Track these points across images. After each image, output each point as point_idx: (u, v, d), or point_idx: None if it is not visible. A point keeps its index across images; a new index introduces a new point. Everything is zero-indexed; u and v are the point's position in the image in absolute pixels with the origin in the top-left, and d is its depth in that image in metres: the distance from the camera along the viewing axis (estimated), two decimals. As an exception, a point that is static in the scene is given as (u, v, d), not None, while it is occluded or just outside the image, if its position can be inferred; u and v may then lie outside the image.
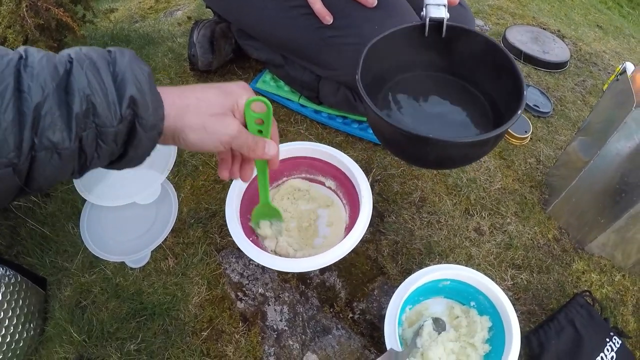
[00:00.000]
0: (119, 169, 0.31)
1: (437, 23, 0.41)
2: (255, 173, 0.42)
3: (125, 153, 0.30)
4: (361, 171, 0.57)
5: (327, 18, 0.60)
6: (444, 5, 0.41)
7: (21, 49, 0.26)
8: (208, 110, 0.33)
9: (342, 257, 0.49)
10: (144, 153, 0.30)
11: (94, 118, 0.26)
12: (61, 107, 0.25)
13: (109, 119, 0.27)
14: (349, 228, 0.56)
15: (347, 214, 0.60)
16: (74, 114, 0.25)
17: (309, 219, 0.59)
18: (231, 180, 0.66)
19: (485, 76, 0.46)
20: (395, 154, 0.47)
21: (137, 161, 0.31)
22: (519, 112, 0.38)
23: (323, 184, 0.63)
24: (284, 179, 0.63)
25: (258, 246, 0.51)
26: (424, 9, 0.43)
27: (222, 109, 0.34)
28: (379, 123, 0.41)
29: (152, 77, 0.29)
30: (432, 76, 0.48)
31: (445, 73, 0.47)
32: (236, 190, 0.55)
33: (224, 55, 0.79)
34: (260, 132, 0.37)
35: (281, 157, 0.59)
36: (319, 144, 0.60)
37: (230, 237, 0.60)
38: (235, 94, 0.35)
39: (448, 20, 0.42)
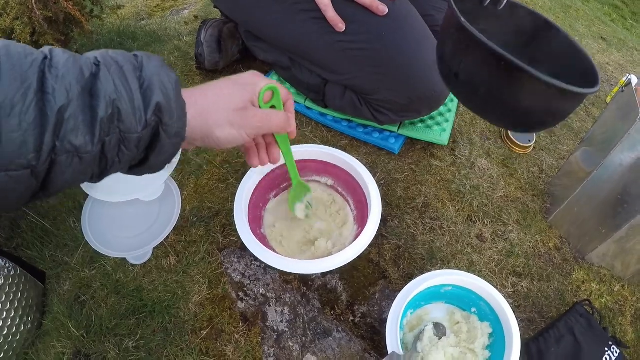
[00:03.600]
0: (139, 174, 0.31)
1: None
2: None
3: (147, 159, 0.29)
4: (372, 177, 0.57)
5: (340, 25, 0.60)
6: None
7: (46, 49, 0.25)
8: (231, 106, 0.33)
9: (349, 261, 0.49)
10: (166, 159, 0.30)
11: (118, 123, 0.26)
12: (85, 111, 0.24)
13: (133, 125, 0.26)
14: (356, 234, 0.56)
15: (353, 215, 0.60)
16: (98, 118, 0.25)
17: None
18: (236, 180, 0.66)
19: (545, 57, 0.40)
20: (469, 95, 0.39)
21: (158, 167, 0.31)
22: (598, 78, 0.33)
23: (334, 188, 0.63)
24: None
25: (265, 246, 0.50)
26: None
27: (243, 102, 0.34)
28: (483, 61, 0.33)
29: (179, 85, 0.29)
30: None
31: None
32: (245, 190, 0.55)
33: (230, 56, 0.79)
34: (273, 107, 0.39)
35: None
36: (329, 147, 0.60)
37: (233, 237, 0.60)
38: (251, 84, 0.36)
39: None
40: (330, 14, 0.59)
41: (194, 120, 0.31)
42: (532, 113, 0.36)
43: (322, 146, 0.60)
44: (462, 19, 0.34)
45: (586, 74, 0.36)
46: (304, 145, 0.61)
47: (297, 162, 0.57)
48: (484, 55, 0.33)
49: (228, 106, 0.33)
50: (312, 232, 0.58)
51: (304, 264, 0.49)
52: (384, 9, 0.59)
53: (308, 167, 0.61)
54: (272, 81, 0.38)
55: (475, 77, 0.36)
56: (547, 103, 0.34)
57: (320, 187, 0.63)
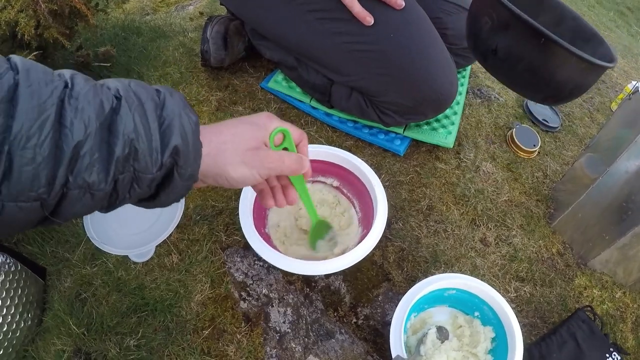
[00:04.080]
0: (148, 208, 0.31)
1: None
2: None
3: (157, 195, 0.29)
4: (378, 179, 0.56)
5: (368, 19, 0.58)
6: None
7: (67, 74, 0.24)
8: (244, 145, 0.33)
9: (355, 262, 0.48)
10: (176, 198, 0.30)
11: (133, 162, 0.25)
12: (102, 148, 0.24)
13: (149, 166, 0.26)
14: (361, 236, 0.56)
15: (358, 217, 0.60)
16: (115, 157, 0.24)
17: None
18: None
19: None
20: (507, 71, 0.41)
21: (167, 204, 0.30)
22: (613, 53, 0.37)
23: (339, 189, 0.63)
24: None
25: (269, 245, 0.50)
26: None
27: (256, 141, 0.34)
28: (524, 37, 0.35)
29: (199, 127, 0.29)
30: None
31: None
32: (250, 189, 0.55)
33: (236, 53, 0.79)
34: (285, 149, 0.38)
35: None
36: (335, 147, 0.60)
37: (236, 236, 0.60)
38: (265, 126, 0.36)
39: None
40: (357, 8, 0.58)
41: (207, 158, 0.30)
42: (564, 85, 0.39)
43: (329, 147, 0.60)
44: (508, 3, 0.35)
45: (602, 54, 0.39)
46: (310, 145, 0.60)
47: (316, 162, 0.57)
48: (525, 32, 0.35)
49: (242, 145, 0.33)
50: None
51: (308, 264, 0.48)
52: (401, 3, 0.58)
53: (313, 167, 0.61)
54: (284, 124, 0.37)
55: (514, 53, 0.38)
56: (577, 76, 0.37)
57: (326, 187, 0.63)
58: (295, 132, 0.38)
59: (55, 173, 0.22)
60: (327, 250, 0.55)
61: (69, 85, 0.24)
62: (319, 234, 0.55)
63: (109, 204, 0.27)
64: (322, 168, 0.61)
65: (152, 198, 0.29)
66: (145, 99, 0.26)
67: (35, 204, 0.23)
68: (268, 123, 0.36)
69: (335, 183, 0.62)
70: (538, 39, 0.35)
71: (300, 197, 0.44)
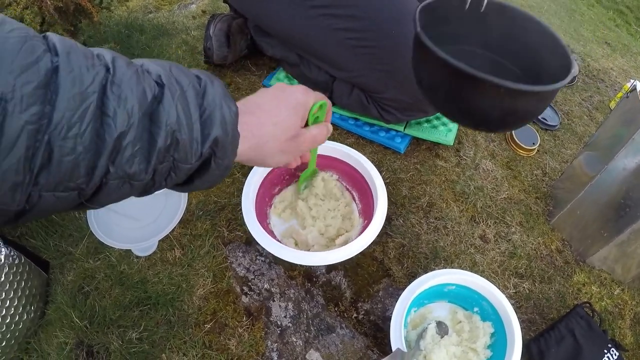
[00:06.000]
0: (181, 192, 0.31)
1: None
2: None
3: (191, 181, 0.28)
4: (378, 173, 0.57)
5: None
6: None
7: (108, 57, 0.23)
8: (284, 136, 0.33)
9: (356, 254, 0.49)
10: (210, 185, 0.30)
11: (174, 153, 0.25)
12: (144, 138, 0.23)
13: (188, 157, 0.25)
14: (363, 210, 0.57)
15: (358, 209, 0.60)
16: (157, 147, 0.23)
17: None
18: (242, 175, 0.66)
19: (525, 52, 0.42)
20: (433, 99, 0.41)
21: (200, 189, 0.30)
22: (572, 70, 0.34)
23: (339, 182, 0.64)
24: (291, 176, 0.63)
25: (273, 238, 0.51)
26: None
27: (295, 129, 0.35)
28: (436, 67, 0.36)
29: (238, 117, 0.28)
30: (469, 51, 0.45)
31: (484, 49, 0.45)
32: (252, 184, 0.55)
33: (239, 51, 0.79)
34: (317, 118, 0.40)
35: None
36: (339, 143, 0.60)
37: (238, 231, 0.60)
38: (302, 106, 0.36)
39: None
40: None
41: (248, 151, 0.30)
42: (489, 112, 0.37)
43: (328, 141, 0.61)
44: (418, 26, 0.36)
45: (563, 67, 0.36)
46: None
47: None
48: (432, 60, 0.35)
49: (282, 137, 0.33)
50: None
51: (311, 255, 0.49)
52: None
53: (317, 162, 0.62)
54: (322, 97, 0.38)
55: (432, 82, 0.38)
56: (499, 102, 0.35)
57: (332, 180, 0.63)
58: (329, 103, 0.40)
59: (95, 163, 0.21)
60: (313, 240, 0.56)
61: (111, 70, 0.22)
62: (308, 177, 0.60)
63: (144, 191, 0.26)
64: (321, 162, 0.62)
65: (186, 183, 0.29)
66: (187, 87, 0.25)
67: (72, 194, 0.22)
68: (308, 99, 0.36)
69: (335, 176, 0.63)
70: (444, 66, 0.35)
71: (311, 152, 0.49)
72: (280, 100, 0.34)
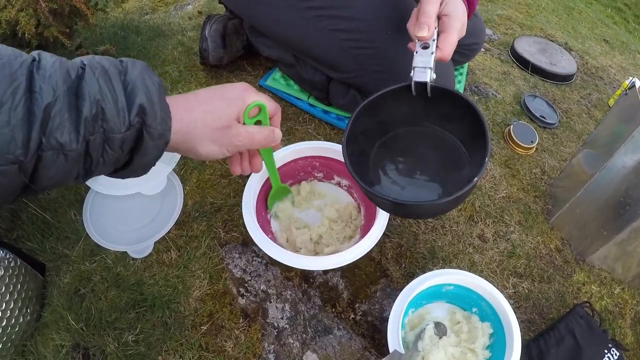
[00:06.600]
0: (123, 177, 0.32)
1: (423, 85, 0.45)
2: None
3: (131, 160, 0.30)
4: None
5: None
6: (430, 68, 0.44)
7: (35, 52, 0.26)
8: (215, 124, 0.34)
9: (357, 259, 0.49)
10: (150, 162, 0.31)
11: (102, 123, 0.27)
12: (71, 109, 0.25)
13: (117, 125, 0.27)
14: (364, 228, 0.56)
15: (361, 213, 0.60)
16: (83, 117, 0.26)
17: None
18: (242, 176, 0.66)
19: (466, 134, 0.49)
20: (386, 211, 0.52)
21: (141, 170, 0.31)
22: (475, 179, 0.40)
23: (339, 184, 0.63)
24: (302, 177, 0.63)
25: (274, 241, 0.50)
26: (412, 71, 0.45)
27: (228, 120, 0.35)
28: (365, 191, 0.46)
29: (163, 88, 0.30)
30: (421, 130, 0.51)
31: (435, 126, 0.51)
32: (253, 186, 0.55)
33: (235, 51, 0.79)
34: (259, 122, 0.39)
35: (298, 155, 0.59)
36: (334, 143, 0.60)
37: (235, 232, 0.60)
38: (239, 99, 0.36)
39: (433, 80, 0.45)
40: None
41: (177, 135, 0.31)
42: (421, 215, 0.55)
43: (335, 144, 0.59)
44: (349, 168, 0.44)
45: (481, 161, 0.42)
46: (317, 142, 0.60)
47: (323, 159, 0.59)
48: (365, 192, 0.46)
49: (212, 124, 0.34)
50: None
51: (314, 260, 0.48)
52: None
53: (331, 166, 0.61)
54: (261, 96, 0.37)
55: (375, 202, 0.50)
56: (426, 210, 0.48)
57: (339, 190, 0.63)
58: (270, 105, 0.39)
59: (29, 135, 0.24)
60: (302, 244, 0.56)
61: (37, 59, 0.26)
62: (277, 197, 0.58)
63: (85, 171, 0.28)
64: (325, 164, 0.61)
65: (127, 165, 0.30)
66: (108, 66, 0.28)
67: (13, 167, 0.24)
68: (244, 96, 0.36)
69: (344, 183, 0.63)
70: (375, 197, 0.45)
71: (266, 165, 0.46)
72: (215, 91, 0.36)
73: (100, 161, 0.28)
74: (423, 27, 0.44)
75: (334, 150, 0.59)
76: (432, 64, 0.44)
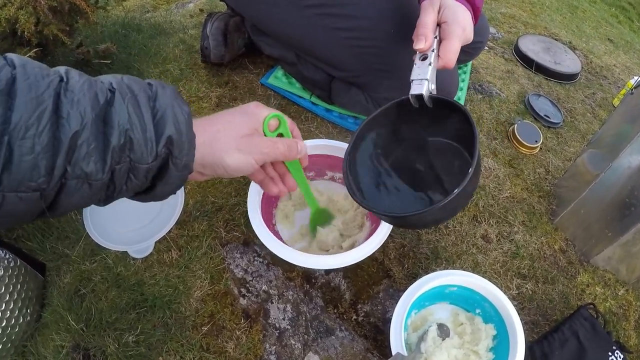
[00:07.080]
0: (144, 201, 0.31)
1: (420, 97, 0.44)
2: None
3: (153, 187, 0.29)
4: None
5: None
6: (427, 80, 0.43)
7: (62, 70, 0.25)
8: (238, 132, 0.34)
9: (364, 258, 0.48)
10: (172, 190, 0.30)
11: (129, 153, 0.26)
12: (98, 138, 0.25)
13: (144, 156, 0.27)
14: (372, 229, 0.56)
15: (366, 213, 0.60)
16: (111, 147, 0.25)
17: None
18: (243, 176, 0.65)
19: (467, 141, 0.48)
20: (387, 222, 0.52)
21: (163, 197, 0.31)
22: (456, 191, 0.39)
23: (332, 178, 0.63)
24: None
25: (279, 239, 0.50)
26: (410, 84, 0.45)
27: (249, 129, 0.35)
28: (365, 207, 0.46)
29: (191, 118, 0.29)
30: (426, 141, 0.50)
31: (439, 137, 0.50)
32: (257, 186, 0.54)
33: (236, 49, 0.79)
34: (280, 135, 0.38)
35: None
36: (340, 142, 0.59)
37: (236, 232, 0.60)
38: (256, 113, 0.36)
39: (431, 92, 0.44)
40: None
41: (202, 147, 0.31)
42: (422, 225, 0.55)
43: (340, 142, 0.59)
44: (352, 187, 0.45)
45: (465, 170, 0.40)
46: (319, 140, 0.60)
47: (316, 156, 0.56)
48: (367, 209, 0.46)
49: (235, 132, 0.34)
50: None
51: (321, 258, 0.47)
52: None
53: (329, 163, 0.60)
54: (276, 110, 0.38)
55: (376, 215, 0.48)
56: (423, 219, 0.45)
57: (340, 185, 0.62)
58: (288, 119, 0.39)
59: (54, 163, 0.23)
60: (333, 241, 0.55)
61: (64, 79, 0.24)
62: (318, 220, 0.55)
63: (107, 196, 0.27)
64: (329, 163, 0.61)
65: (149, 190, 0.30)
66: (137, 91, 0.27)
67: (34, 195, 0.23)
68: (258, 111, 0.36)
69: (338, 176, 0.62)
70: (377, 213, 0.45)
71: (298, 184, 0.44)
72: (232, 109, 0.36)
73: (124, 188, 0.27)
74: (420, 39, 0.44)
75: (322, 146, 0.58)
76: (428, 75, 0.43)
